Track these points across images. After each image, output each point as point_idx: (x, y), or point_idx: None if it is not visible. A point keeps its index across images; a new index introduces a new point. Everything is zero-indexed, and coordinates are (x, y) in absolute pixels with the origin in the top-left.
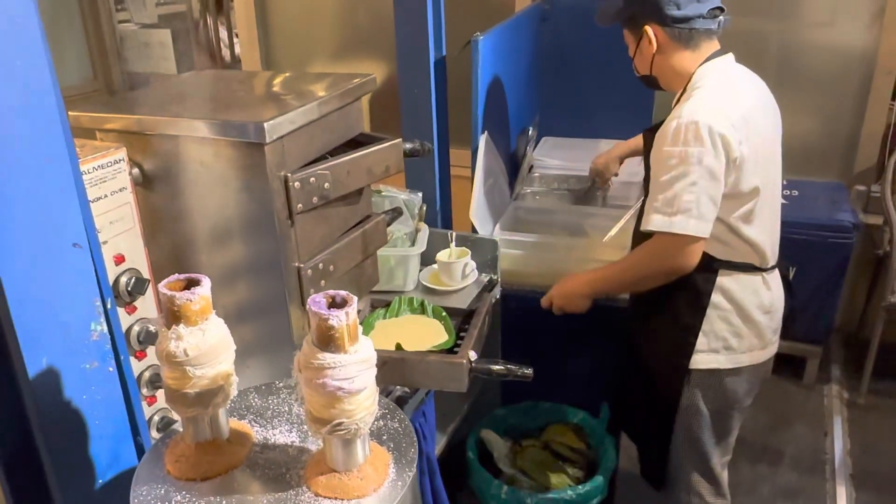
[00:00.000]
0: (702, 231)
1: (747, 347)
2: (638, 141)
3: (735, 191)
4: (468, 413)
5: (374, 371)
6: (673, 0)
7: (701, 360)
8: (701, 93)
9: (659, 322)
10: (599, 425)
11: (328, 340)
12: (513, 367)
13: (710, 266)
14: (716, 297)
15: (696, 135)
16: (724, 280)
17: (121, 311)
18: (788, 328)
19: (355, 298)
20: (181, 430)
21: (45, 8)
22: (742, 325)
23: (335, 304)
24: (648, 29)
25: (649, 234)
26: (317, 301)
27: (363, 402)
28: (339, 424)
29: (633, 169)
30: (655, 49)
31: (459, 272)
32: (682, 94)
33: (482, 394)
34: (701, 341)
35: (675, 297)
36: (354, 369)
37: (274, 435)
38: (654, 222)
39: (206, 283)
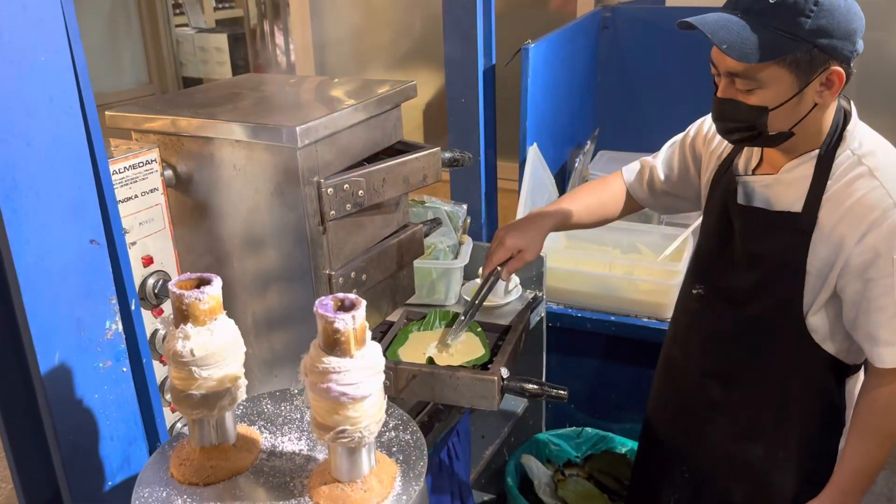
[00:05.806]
0: None
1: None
2: None
3: None
4: (509, 437)
5: (382, 377)
6: (860, 28)
7: None
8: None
9: (774, 448)
10: None
11: (334, 344)
12: (547, 386)
13: (841, 373)
14: (849, 410)
15: None
16: (850, 384)
17: (146, 313)
18: None
19: (363, 302)
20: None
21: (104, 12)
22: None
23: (343, 307)
24: (840, 70)
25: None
26: (324, 303)
27: (368, 410)
28: (343, 432)
29: None
30: (828, 99)
31: (503, 288)
32: (822, 158)
33: (525, 417)
34: None
35: (800, 416)
36: (359, 375)
37: (283, 442)
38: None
39: (217, 282)
